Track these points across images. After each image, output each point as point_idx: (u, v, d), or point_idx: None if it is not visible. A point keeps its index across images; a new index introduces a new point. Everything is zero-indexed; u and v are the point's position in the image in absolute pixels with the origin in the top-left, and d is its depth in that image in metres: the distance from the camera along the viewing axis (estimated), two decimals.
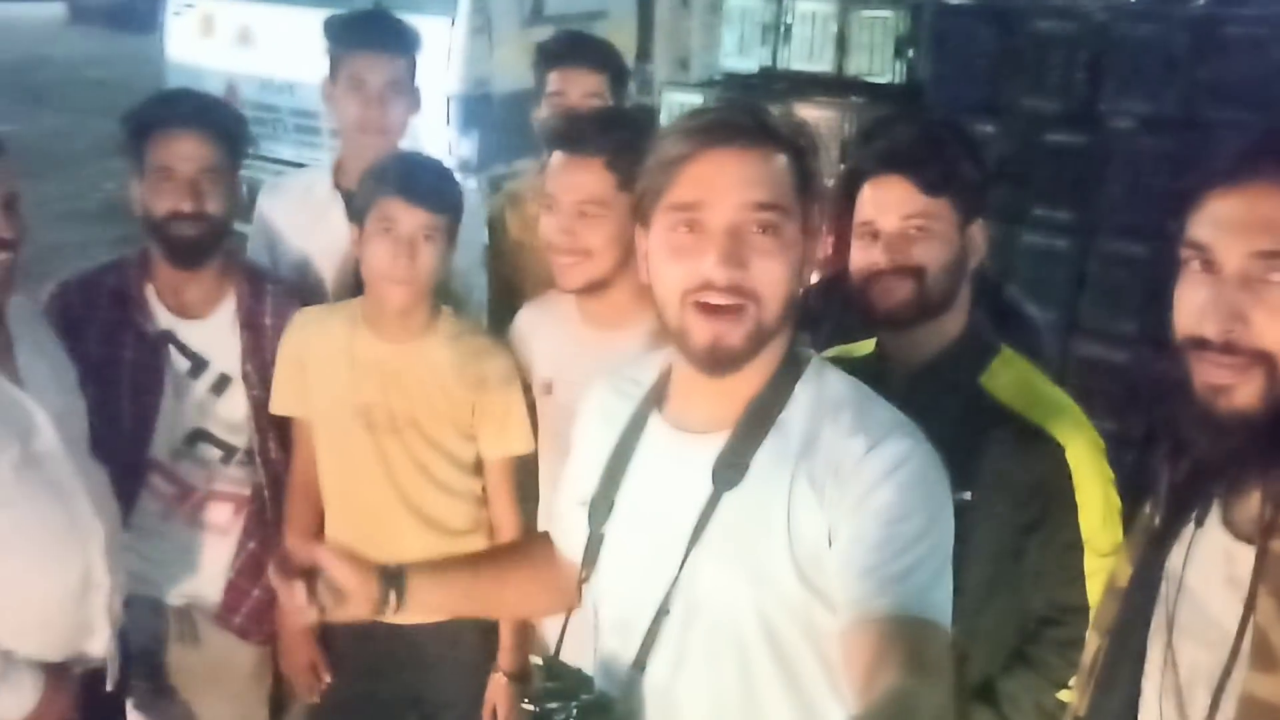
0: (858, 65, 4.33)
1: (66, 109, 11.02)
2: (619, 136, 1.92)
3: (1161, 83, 3.51)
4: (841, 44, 4.36)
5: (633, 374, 1.48)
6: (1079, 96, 3.70)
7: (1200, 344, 1.10)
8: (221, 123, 2.21)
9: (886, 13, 4.26)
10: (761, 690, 1.31)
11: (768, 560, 1.28)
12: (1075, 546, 1.61)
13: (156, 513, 2.24)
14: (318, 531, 2.27)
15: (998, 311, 2.11)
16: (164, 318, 2.21)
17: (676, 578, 1.32)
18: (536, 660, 1.37)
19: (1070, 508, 1.61)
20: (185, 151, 2.13)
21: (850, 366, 1.44)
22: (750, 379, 1.33)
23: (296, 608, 1.41)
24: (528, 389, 2.19)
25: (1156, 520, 1.24)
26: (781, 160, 1.29)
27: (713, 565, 1.31)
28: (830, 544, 1.25)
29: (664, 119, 4.46)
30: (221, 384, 2.24)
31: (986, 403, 1.64)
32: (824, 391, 1.34)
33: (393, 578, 1.47)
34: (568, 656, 1.40)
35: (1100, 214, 3.63)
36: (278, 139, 6.04)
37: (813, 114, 4.22)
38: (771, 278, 1.27)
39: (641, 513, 1.39)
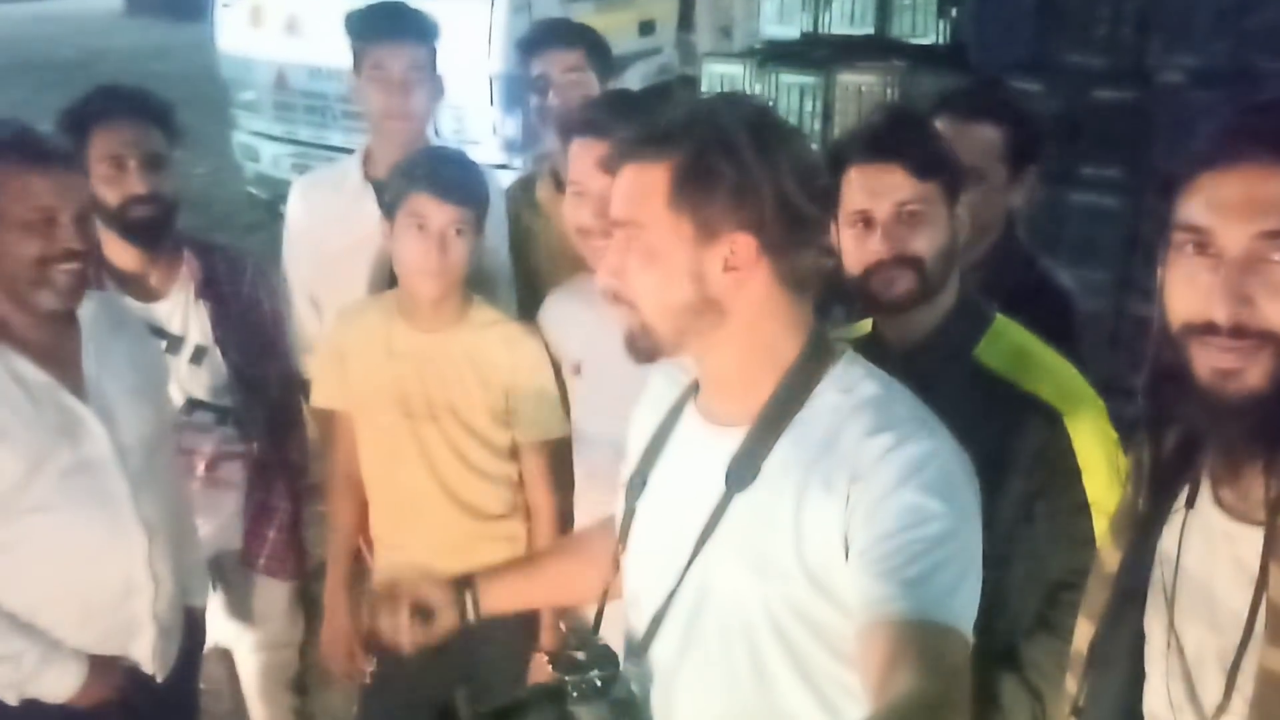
0: (900, 27, 4.27)
1: None
2: (640, 119, 1.94)
3: (1210, 35, 3.43)
4: (883, 6, 4.30)
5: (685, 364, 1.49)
6: (1126, 51, 3.62)
7: (1205, 329, 1.07)
8: (158, 110, 2.34)
9: None
10: (776, 683, 1.32)
11: (774, 557, 1.29)
12: (1083, 510, 1.61)
13: None
14: (362, 522, 2.35)
15: (1029, 284, 2.10)
16: (132, 306, 2.31)
17: (686, 566, 1.34)
18: (564, 627, 1.46)
19: (1073, 473, 1.61)
20: (130, 138, 2.25)
21: None
22: (765, 375, 1.33)
23: (403, 640, 1.54)
24: (558, 372, 2.23)
25: (1140, 504, 1.23)
26: (654, 172, 1.30)
27: (724, 562, 1.33)
28: (847, 545, 1.24)
29: (704, 89, 4.47)
30: (199, 354, 2.39)
31: (981, 374, 1.64)
32: (848, 389, 1.33)
33: (466, 588, 1.58)
34: (607, 628, 1.46)
35: (1150, 171, 3.55)
36: (327, 126, 6.12)
37: (856, 79, 4.20)
38: (638, 288, 1.32)
39: (667, 497, 1.42)
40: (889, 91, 4.00)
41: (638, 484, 1.45)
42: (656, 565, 1.38)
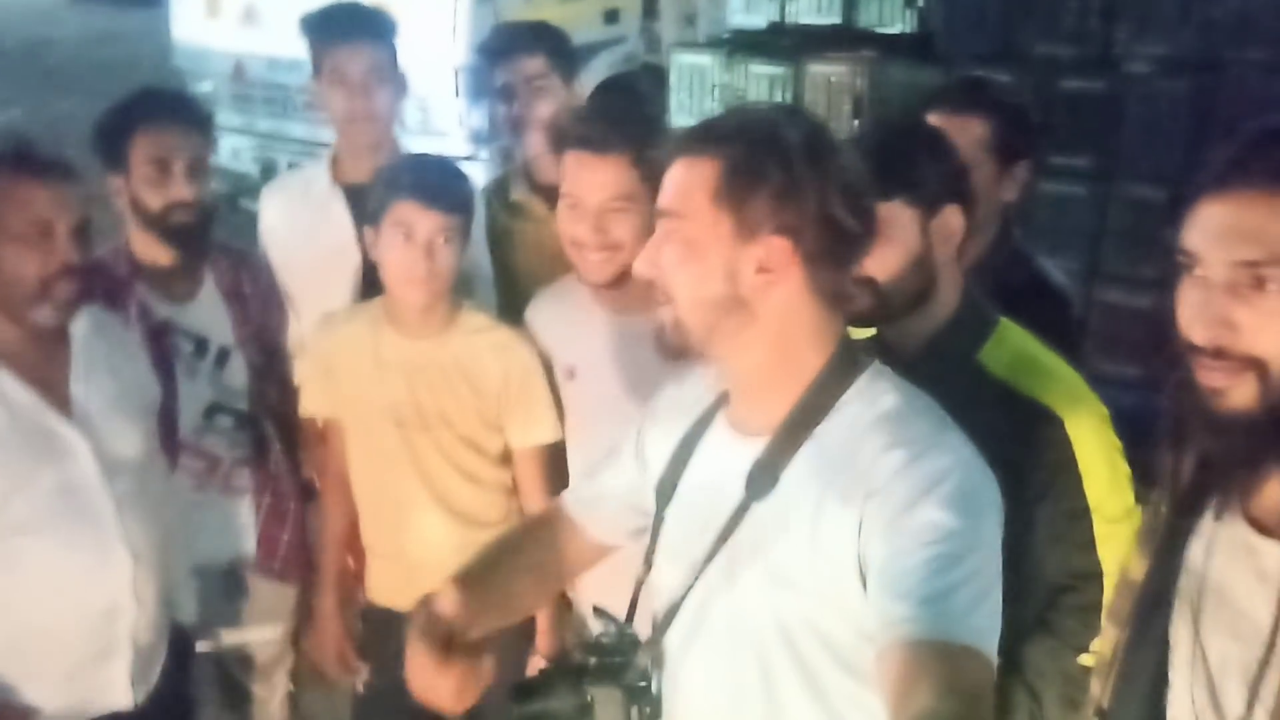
0: (867, 17, 4.27)
1: (75, 91, 10.99)
2: (639, 131, 1.94)
3: (1177, 24, 3.45)
4: None
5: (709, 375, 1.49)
6: (1093, 41, 3.64)
7: (1194, 348, 1.11)
8: (199, 115, 2.35)
9: None
10: (782, 690, 1.32)
11: (787, 567, 1.29)
12: (1083, 514, 1.63)
13: (190, 488, 2.36)
14: (354, 530, 2.33)
15: (1026, 285, 2.11)
16: (160, 307, 2.31)
17: (701, 569, 1.35)
18: (595, 610, 1.45)
19: (1073, 478, 1.62)
20: (176, 144, 2.25)
21: None
22: (788, 384, 1.34)
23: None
24: (549, 375, 2.21)
25: (1167, 513, 1.25)
26: (702, 166, 1.32)
27: (738, 564, 1.33)
28: (860, 561, 1.24)
29: (673, 81, 4.46)
30: (223, 357, 2.37)
31: (984, 379, 1.65)
32: (871, 402, 1.33)
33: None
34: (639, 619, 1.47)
35: (1119, 159, 3.59)
36: (287, 117, 6.03)
37: (823, 70, 4.19)
38: (674, 279, 1.34)
39: (693, 503, 1.42)
40: (858, 81, 4.01)
41: (668, 490, 1.45)
42: (678, 568, 1.39)
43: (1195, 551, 1.21)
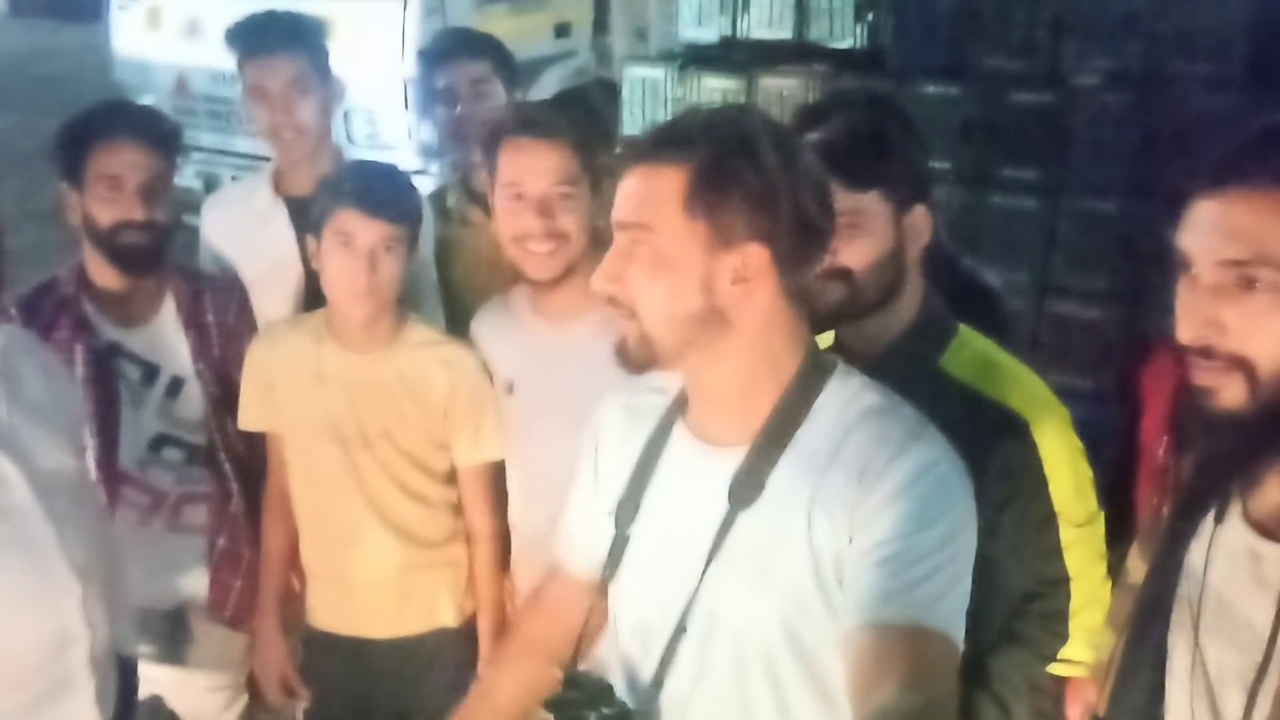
0: (818, 31, 4.28)
1: (11, 107, 10.78)
2: (578, 118, 1.92)
3: (1123, 38, 3.49)
4: (801, 10, 4.31)
5: (656, 380, 1.45)
6: (1042, 55, 3.68)
7: (1185, 347, 1.12)
8: (161, 131, 2.23)
9: None
10: (794, 705, 1.30)
11: (791, 577, 1.27)
12: (1049, 520, 1.62)
13: (133, 523, 2.24)
14: (294, 550, 2.26)
15: (955, 284, 2.09)
16: (108, 330, 2.21)
17: (694, 594, 1.31)
18: (556, 671, 1.35)
19: (1039, 482, 1.61)
20: (132, 161, 2.14)
21: None
22: (765, 391, 1.31)
23: None
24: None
25: (1168, 515, 1.24)
26: (668, 175, 1.28)
27: (734, 582, 1.30)
28: (849, 551, 1.24)
29: (625, 95, 4.44)
30: (175, 386, 2.25)
31: (947, 385, 1.63)
32: (849, 401, 1.31)
33: None
34: (589, 663, 1.42)
35: (1067, 172, 3.62)
36: (231, 132, 5.94)
37: (776, 84, 4.19)
38: (642, 293, 1.29)
39: (663, 522, 1.38)
40: (810, 95, 4.01)
41: (630, 510, 1.40)
42: (656, 595, 1.35)
43: (1195, 555, 1.20)
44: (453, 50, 2.74)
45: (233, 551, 2.31)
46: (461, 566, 2.25)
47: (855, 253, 1.59)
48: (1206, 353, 1.10)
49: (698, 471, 1.34)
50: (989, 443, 1.58)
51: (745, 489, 1.29)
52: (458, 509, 2.23)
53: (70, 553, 1.75)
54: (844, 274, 1.60)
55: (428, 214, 2.63)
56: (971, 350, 1.68)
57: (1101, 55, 3.55)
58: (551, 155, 1.91)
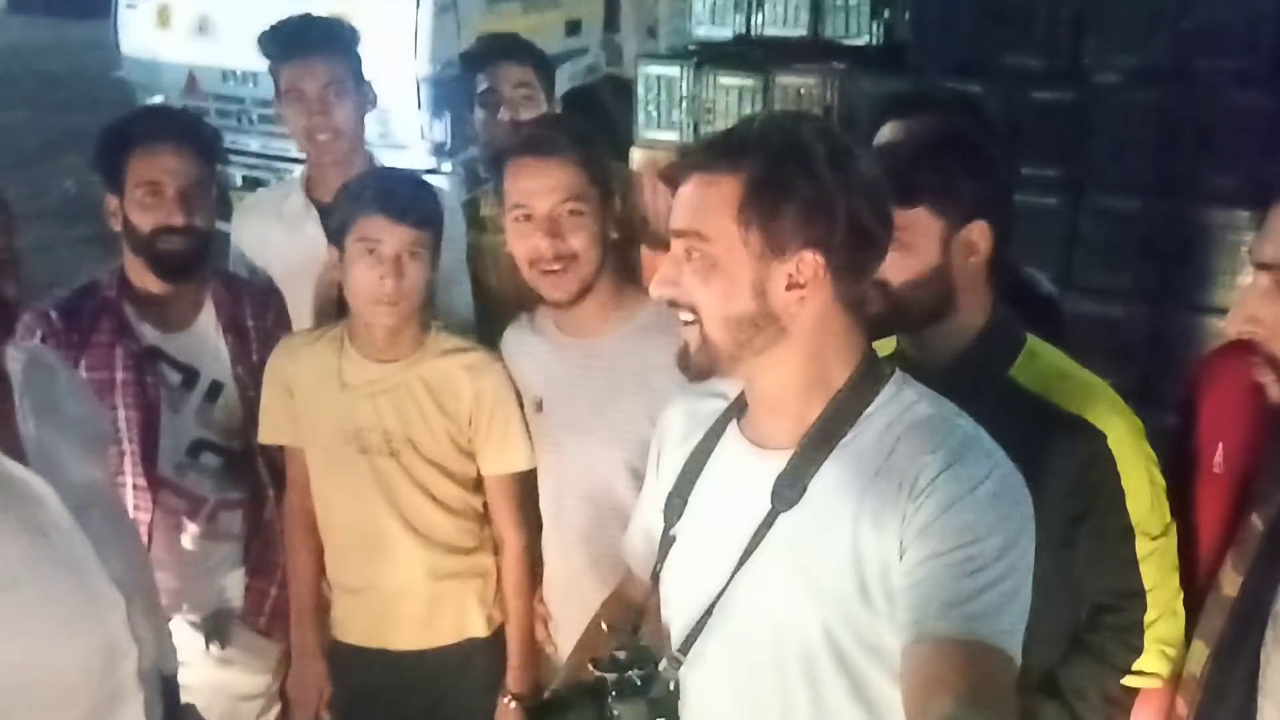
0: (834, 29, 4.26)
1: (16, 104, 10.76)
2: (581, 133, 1.91)
3: (1146, 34, 3.47)
4: (817, 8, 4.29)
5: (719, 386, 1.48)
6: (1063, 52, 3.65)
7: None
8: (202, 137, 2.25)
9: None
10: (833, 708, 1.31)
11: (833, 583, 1.28)
12: (1127, 533, 1.61)
13: (170, 528, 2.22)
14: (318, 558, 2.25)
15: (1014, 294, 2.08)
16: (149, 334, 2.21)
17: (726, 586, 1.33)
18: (606, 627, 1.45)
19: (1117, 494, 1.60)
20: (172, 166, 2.15)
21: None
22: (818, 396, 1.32)
23: None
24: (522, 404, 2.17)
25: (1264, 529, 1.23)
26: (723, 185, 1.31)
27: (774, 581, 1.32)
28: (901, 562, 1.25)
29: (641, 93, 4.42)
30: (214, 391, 2.25)
31: (1020, 395, 1.62)
32: (902, 410, 1.32)
33: None
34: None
35: (1089, 170, 3.60)
36: (243, 131, 5.94)
37: (793, 81, 4.17)
38: (700, 297, 1.31)
39: (708, 517, 1.40)
40: (829, 94, 3.99)
41: (677, 506, 1.43)
42: (696, 584, 1.37)
43: None
44: (497, 54, 2.74)
45: (267, 559, 2.31)
46: (490, 576, 2.24)
47: (893, 267, 1.58)
48: (1251, 348, 1.21)
49: (745, 472, 1.36)
50: (1066, 454, 1.57)
51: (787, 490, 1.30)
52: (484, 517, 2.22)
53: (111, 567, 1.74)
54: (880, 286, 1.59)
55: (460, 220, 2.63)
56: (1043, 361, 1.67)
57: (1124, 52, 3.53)
58: (556, 173, 1.89)
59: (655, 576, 1.46)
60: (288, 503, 2.27)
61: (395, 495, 2.15)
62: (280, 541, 2.32)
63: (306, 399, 2.17)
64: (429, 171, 4.83)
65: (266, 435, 2.24)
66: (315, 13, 2.76)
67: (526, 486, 2.20)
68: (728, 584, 1.34)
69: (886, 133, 2.12)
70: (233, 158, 5.86)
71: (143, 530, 2.19)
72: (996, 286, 1.95)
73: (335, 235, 2.08)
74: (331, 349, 2.15)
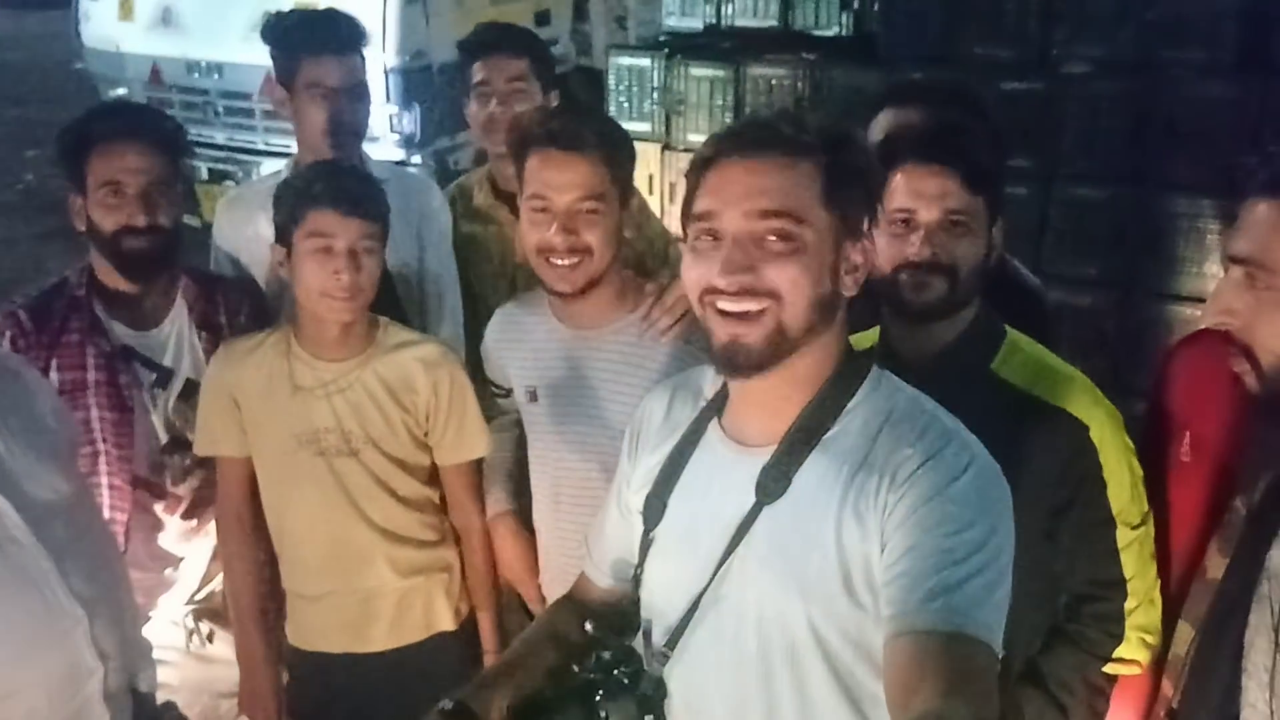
0: (804, 19, 4.27)
1: None
2: (606, 130, 1.89)
3: (1113, 26, 3.50)
4: None
5: (696, 383, 1.48)
6: (1032, 43, 3.68)
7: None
8: (164, 133, 2.18)
9: None
10: (817, 702, 1.31)
11: (817, 575, 1.27)
12: (1107, 522, 1.62)
13: (149, 527, 2.21)
14: (259, 568, 2.19)
15: (1000, 285, 2.10)
16: (120, 332, 2.17)
17: (711, 580, 1.33)
18: (591, 629, 1.40)
19: (1099, 485, 1.61)
20: (133, 165, 2.09)
21: None
22: (800, 391, 1.32)
23: None
24: (505, 393, 2.15)
25: (1247, 513, 1.24)
26: (803, 167, 1.29)
27: (759, 576, 1.31)
28: (882, 554, 1.24)
29: (611, 83, 4.41)
30: (189, 390, 2.21)
31: (1002, 389, 1.63)
32: (882, 404, 1.33)
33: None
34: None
35: (1058, 160, 3.63)
36: (208, 123, 5.85)
37: (765, 72, 4.18)
38: (789, 281, 1.27)
39: (689, 517, 1.39)
40: (800, 85, 4.00)
41: (657, 508, 1.42)
42: (680, 581, 1.37)
43: (1276, 557, 1.20)
44: (492, 44, 2.64)
45: None
46: (455, 569, 2.23)
47: (963, 250, 1.63)
48: (1226, 337, 1.19)
49: (728, 469, 1.36)
50: (1050, 447, 1.58)
51: (772, 483, 1.31)
52: (440, 509, 2.20)
53: (72, 583, 1.66)
54: (950, 271, 1.62)
55: (446, 210, 2.60)
56: (1024, 354, 1.68)
57: (1092, 43, 3.56)
58: (579, 169, 1.87)
59: (635, 578, 1.45)
60: (220, 514, 2.20)
61: (357, 496, 2.08)
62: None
63: (255, 406, 2.09)
64: (399, 163, 4.80)
65: (203, 447, 2.14)
66: (280, 7, 2.70)
67: (480, 472, 2.20)
68: (712, 579, 1.33)
69: (884, 121, 2.13)
70: (198, 150, 5.80)
71: (120, 529, 2.16)
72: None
73: (281, 233, 2.04)
74: (278, 353, 2.09)
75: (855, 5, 4.16)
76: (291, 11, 2.56)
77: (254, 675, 2.21)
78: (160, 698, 2.24)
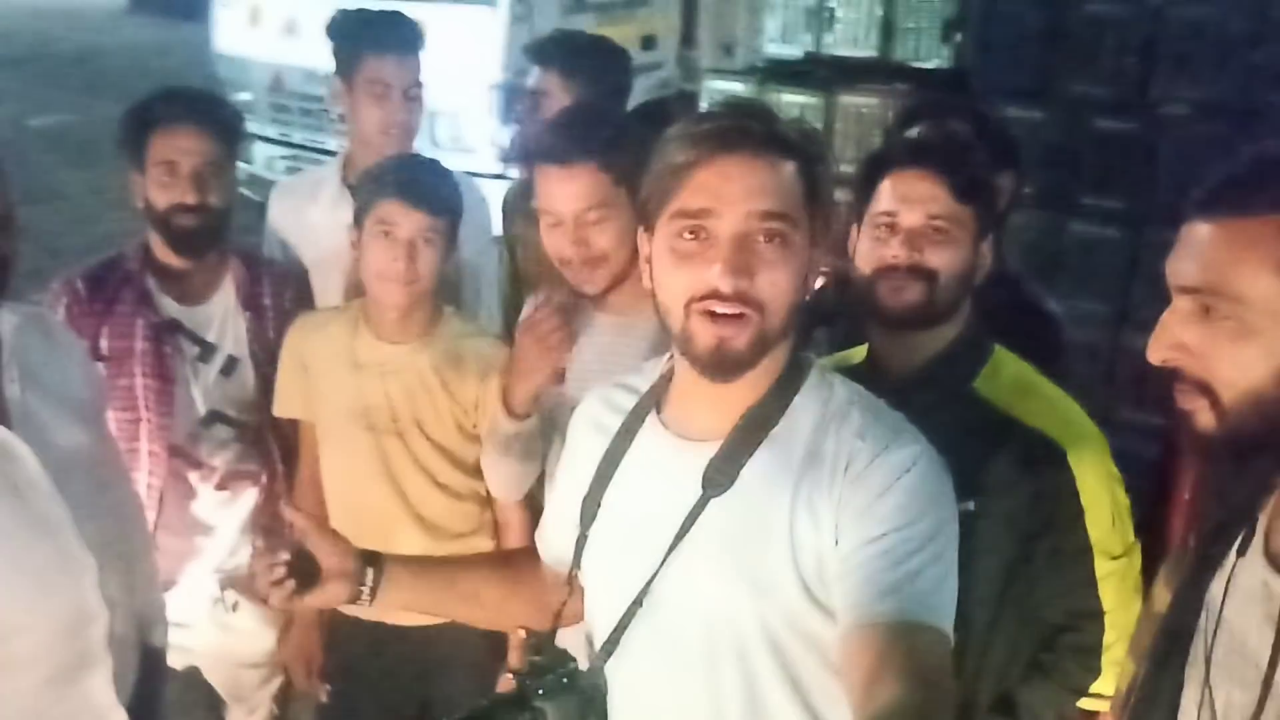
0: (903, 50, 4.24)
1: (125, 98, 11.13)
2: (603, 135, 1.89)
3: (1215, 67, 3.40)
4: (887, 29, 4.28)
5: (629, 381, 1.47)
6: (1130, 81, 3.59)
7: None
8: (220, 118, 2.27)
9: None
10: (766, 697, 1.30)
11: (769, 571, 1.27)
12: (1085, 551, 1.57)
13: (183, 495, 2.29)
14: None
15: (1015, 307, 2.05)
16: (169, 306, 2.26)
17: (655, 576, 1.31)
18: (523, 634, 1.38)
19: (1075, 512, 1.56)
20: (187, 146, 2.19)
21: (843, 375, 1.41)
22: (750, 387, 1.32)
23: (270, 578, 1.42)
24: None
25: (1194, 546, 1.19)
26: (789, 168, 1.27)
27: (705, 571, 1.30)
28: (835, 547, 1.24)
29: (705, 108, 4.43)
30: (230, 365, 2.30)
31: (981, 408, 1.59)
32: (828, 398, 1.32)
33: (371, 565, 1.48)
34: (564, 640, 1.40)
35: (1151, 202, 3.53)
36: (321, 130, 6.06)
37: (856, 101, 4.16)
38: (777, 287, 1.26)
39: (629, 512, 1.38)
40: (889, 114, 3.97)
41: (591, 508, 1.41)
42: (620, 578, 1.35)
43: (1215, 589, 1.15)
44: (553, 55, 2.67)
45: (273, 530, 2.35)
46: None
47: (945, 257, 1.60)
48: (1176, 375, 1.12)
49: (670, 462, 1.35)
50: (1023, 469, 1.54)
51: (719, 475, 1.29)
52: (485, 501, 2.24)
53: (85, 531, 1.73)
54: (930, 274, 1.60)
55: (493, 210, 2.66)
56: (1007, 374, 1.64)
57: (1192, 85, 3.46)
58: (578, 181, 1.89)
59: (570, 579, 1.44)
60: (299, 475, 2.32)
61: (398, 476, 2.15)
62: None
63: (320, 375, 2.18)
64: (495, 176, 4.90)
65: (280, 408, 2.25)
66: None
67: None
68: (655, 575, 1.31)
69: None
70: (308, 155, 6.01)
71: (154, 495, 2.26)
72: (984, 294, 1.94)
73: (356, 217, 2.14)
74: (347, 328, 2.19)
75: (957, 39, 4.12)
76: (358, 10, 2.64)
77: (301, 630, 2.31)
78: (183, 663, 2.35)
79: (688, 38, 6.14)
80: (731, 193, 1.26)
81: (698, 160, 1.27)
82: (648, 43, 6.03)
